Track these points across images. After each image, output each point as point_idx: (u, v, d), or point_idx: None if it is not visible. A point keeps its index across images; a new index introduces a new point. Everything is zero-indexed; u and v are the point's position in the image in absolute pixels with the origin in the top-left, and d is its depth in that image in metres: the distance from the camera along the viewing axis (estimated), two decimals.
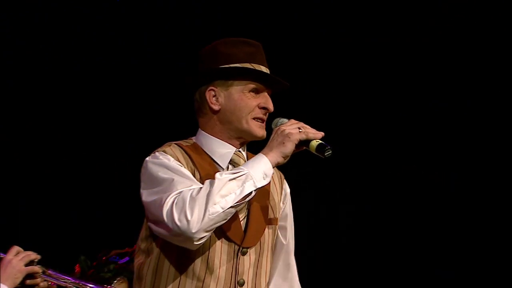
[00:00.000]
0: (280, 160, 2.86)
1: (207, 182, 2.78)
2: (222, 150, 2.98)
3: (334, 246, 5.97)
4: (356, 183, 5.93)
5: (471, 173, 5.81)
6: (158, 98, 5.62)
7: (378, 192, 5.90)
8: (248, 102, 2.96)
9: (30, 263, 3.09)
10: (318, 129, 2.90)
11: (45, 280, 3.12)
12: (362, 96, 5.85)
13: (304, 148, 2.89)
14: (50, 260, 3.28)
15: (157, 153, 2.91)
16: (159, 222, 2.79)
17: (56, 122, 5.68)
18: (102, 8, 5.65)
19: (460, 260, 5.75)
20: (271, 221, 3.04)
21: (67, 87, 5.68)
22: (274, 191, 3.08)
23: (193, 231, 2.72)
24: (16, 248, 3.10)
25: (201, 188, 2.77)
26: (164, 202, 2.76)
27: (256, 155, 2.88)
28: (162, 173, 2.84)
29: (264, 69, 3.01)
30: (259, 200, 2.98)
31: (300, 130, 2.87)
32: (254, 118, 2.97)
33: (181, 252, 2.86)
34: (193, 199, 2.73)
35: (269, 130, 2.97)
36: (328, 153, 2.84)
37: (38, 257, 3.12)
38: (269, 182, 2.93)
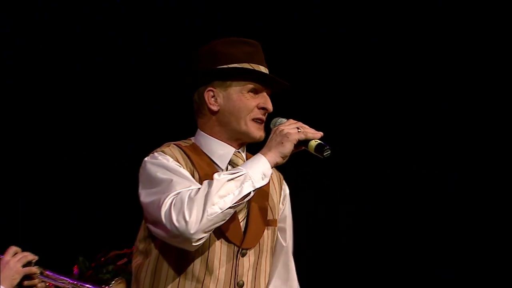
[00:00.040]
0: (279, 160, 2.84)
1: (205, 182, 2.77)
2: (221, 150, 2.97)
3: (334, 246, 5.96)
4: (356, 183, 5.93)
5: (471, 173, 5.80)
6: (158, 98, 5.62)
7: (378, 192, 5.90)
8: (247, 103, 2.95)
9: (28, 264, 3.08)
10: (318, 129, 2.88)
11: (42, 281, 3.11)
12: (362, 96, 5.85)
13: (303, 148, 2.88)
14: (50, 261, 3.28)
15: (155, 154, 2.89)
16: (157, 223, 2.77)
17: (56, 122, 5.68)
18: (102, 8, 5.65)
19: (460, 260, 5.75)
20: (270, 222, 3.03)
21: (67, 87, 5.68)
22: (274, 192, 3.07)
23: (192, 232, 2.70)
24: (13, 249, 3.09)
25: (199, 188, 2.75)
26: (163, 203, 2.74)
27: (255, 155, 2.86)
28: (161, 174, 2.82)
29: (263, 69, 2.99)
30: (259, 201, 2.97)
31: (299, 130, 2.85)
32: (253, 119, 2.96)
33: (180, 253, 2.84)
34: (191, 199, 2.71)
35: (267, 130, 2.96)
36: (327, 153, 2.82)
37: (36, 258, 3.11)
38: (268, 183, 2.92)
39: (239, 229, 2.92)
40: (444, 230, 5.81)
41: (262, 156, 2.83)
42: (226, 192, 2.74)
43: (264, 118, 2.99)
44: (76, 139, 5.71)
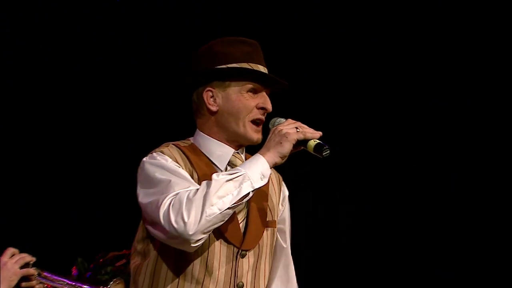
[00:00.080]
0: (278, 160, 2.82)
1: (203, 183, 2.75)
2: (220, 151, 2.95)
3: (333, 246, 5.96)
4: (356, 183, 5.93)
5: (471, 173, 5.80)
6: (158, 98, 5.62)
7: (378, 192, 5.90)
8: (246, 103, 2.93)
9: (25, 265, 3.08)
10: (318, 129, 2.87)
11: (40, 283, 3.11)
12: (362, 96, 5.85)
13: (302, 148, 2.86)
14: (49, 261, 3.28)
15: (154, 154, 2.87)
16: (156, 224, 2.75)
17: (56, 122, 5.68)
18: (102, 8, 5.65)
19: (460, 260, 5.75)
20: (270, 224, 3.01)
21: (67, 87, 5.69)
22: (273, 192, 3.06)
23: (190, 233, 2.68)
24: (11, 250, 3.08)
25: (198, 189, 2.73)
26: (161, 203, 2.72)
27: (253, 156, 2.84)
28: (159, 174, 2.80)
29: (262, 68, 2.97)
30: (258, 202, 2.96)
31: (298, 130, 2.82)
32: (252, 121, 2.94)
33: (180, 255, 2.82)
34: (190, 200, 2.69)
35: (266, 130, 2.95)
36: (326, 153, 2.81)
37: (33, 259, 3.11)
38: (268, 184, 2.91)
39: (239, 230, 2.90)
40: (444, 230, 5.81)
41: (261, 156, 2.81)
42: (225, 192, 2.72)
43: (263, 118, 2.97)
44: (76, 139, 5.71)
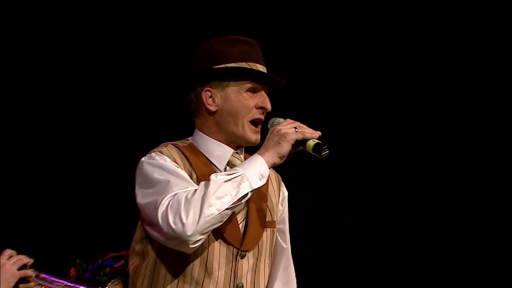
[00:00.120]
0: (277, 160, 2.81)
1: (202, 183, 2.73)
2: (219, 151, 2.94)
3: (333, 246, 5.96)
4: (356, 183, 5.93)
5: (471, 173, 5.80)
6: (158, 98, 5.62)
7: (378, 192, 5.90)
8: (245, 103, 2.92)
9: (23, 267, 3.07)
10: (317, 129, 2.86)
11: (38, 284, 3.11)
12: (361, 96, 5.85)
13: (301, 148, 2.85)
14: (47, 262, 3.27)
15: (153, 154, 2.86)
16: (154, 224, 2.73)
17: (56, 122, 5.68)
18: (102, 8, 5.65)
19: (460, 260, 5.75)
20: (269, 224, 3.00)
21: (67, 87, 5.68)
22: (272, 193, 3.05)
23: (189, 234, 2.66)
24: (8, 252, 3.08)
25: (196, 190, 2.71)
26: (159, 204, 2.70)
27: (252, 156, 2.83)
28: (158, 174, 2.79)
29: (261, 67, 2.97)
30: (257, 202, 2.95)
31: (297, 130, 2.81)
32: (251, 121, 2.93)
33: (179, 255, 2.80)
34: (188, 201, 2.68)
35: (265, 130, 2.94)
36: (325, 152, 2.80)
37: (31, 260, 3.10)
38: (267, 184, 2.91)
39: (238, 231, 2.89)
40: (444, 230, 5.81)
41: (260, 156, 2.80)
42: (223, 193, 2.71)
43: (262, 117, 2.96)
44: (76, 139, 5.71)
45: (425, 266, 5.81)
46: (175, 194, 2.72)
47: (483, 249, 5.73)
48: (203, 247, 2.81)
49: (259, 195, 2.93)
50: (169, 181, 2.76)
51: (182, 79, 3.03)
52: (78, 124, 5.71)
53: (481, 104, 5.75)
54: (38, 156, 5.65)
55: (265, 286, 3.02)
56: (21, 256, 3.08)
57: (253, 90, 2.95)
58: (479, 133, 5.75)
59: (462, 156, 5.80)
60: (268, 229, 2.99)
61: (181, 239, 2.68)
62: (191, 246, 2.71)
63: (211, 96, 2.94)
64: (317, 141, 2.83)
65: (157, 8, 5.69)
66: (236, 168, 2.81)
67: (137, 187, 2.84)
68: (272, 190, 3.05)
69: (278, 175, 3.13)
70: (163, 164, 2.82)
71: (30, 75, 5.60)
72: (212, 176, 2.74)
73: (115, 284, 3.73)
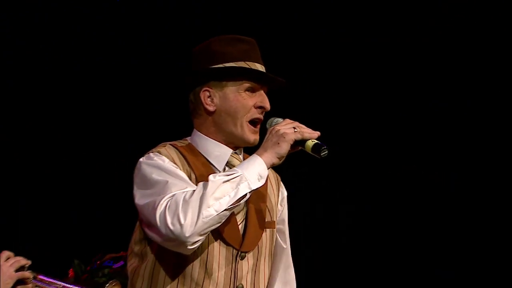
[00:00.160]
0: (275, 161, 2.79)
1: (200, 184, 2.71)
2: (218, 151, 2.93)
3: (333, 246, 5.96)
4: (356, 183, 5.92)
5: (471, 173, 5.80)
6: (158, 98, 5.62)
7: (378, 192, 5.89)
8: (243, 102, 2.90)
9: (21, 268, 3.06)
10: (317, 129, 2.85)
11: (36, 286, 3.10)
12: (361, 96, 5.85)
13: (300, 148, 2.83)
14: (48, 262, 3.27)
15: (151, 154, 2.85)
16: (152, 225, 2.72)
17: (56, 122, 5.68)
18: (102, 8, 5.65)
19: (460, 260, 5.75)
20: (268, 224, 2.98)
21: (67, 87, 5.68)
22: (271, 193, 3.03)
23: (187, 235, 2.65)
24: (6, 253, 3.07)
25: (194, 190, 2.70)
26: (157, 205, 2.69)
27: (251, 156, 2.81)
28: (156, 175, 2.77)
29: (259, 66, 2.95)
30: (256, 203, 2.93)
31: (296, 130, 2.80)
32: (250, 121, 2.92)
33: (178, 257, 2.79)
34: (186, 202, 2.66)
35: (263, 130, 2.93)
36: (324, 153, 2.78)
37: (29, 262, 3.09)
38: (266, 184, 2.89)
39: (238, 232, 2.88)
40: (444, 230, 5.80)
41: (258, 157, 2.78)
42: (222, 194, 2.69)
43: (261, 117, 2.95)
44: (76, 139, 5.71)
45: (425, 266, 5.81)
46: (173, 195, 2.70)
47: (483, 249, 5.73)
48: (203, 248, 2.79)
49: (258, 196, 2.91)
50: (167, 181, 2.74)
51: (182, 79, 3.02)
52: (78, 124, 5.71)
53: (481, 104, 5.75)
54: (38, 156, 5.65)
55: (265, 287, 3.00)
56: (18, 258, 3.07)
57: (251, 90, 2.93)
58: (479, 133, 5.75)
59: (462, 156, 5.80)
60: (268, 229, 2.98)
61: (180, 241, 2.67)
62: (189, 247, 2.69)
63: (209, 96, 2.93)
64: (316, 141, 2.81)
65: (157, 8, 5.69)
66: (234, 168, 2.79)
67: (135, 188, 2.82)
68: (271, 190, 3.04)
69: (277, 175, 3.12)
70: (161, 164, 2.80)
71: (30, 75, 5.60)
72: (211, 177, 2.72)
73: (114, 285, 3.72)
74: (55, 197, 5.60)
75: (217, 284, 2.84)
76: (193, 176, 2.85)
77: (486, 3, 5.60)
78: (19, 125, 5.61)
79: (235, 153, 2.96)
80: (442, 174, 5.84)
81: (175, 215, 2.66)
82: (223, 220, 2.74)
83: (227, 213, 2.72)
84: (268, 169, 2.79)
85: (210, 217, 2.67)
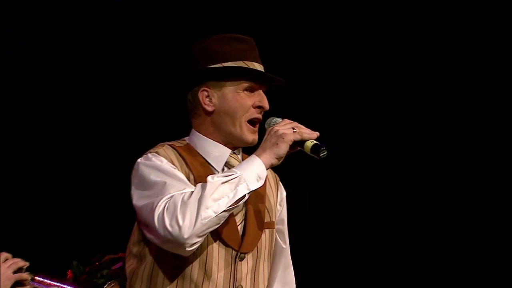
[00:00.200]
0: (274, 161, 2.77)
1: (198, 185, 2.70)
2: (216, 152, 2.91)
3: (333, 246, 5.96)
4: (356, 183, 5.92)
5: (471, 173, 5.80)
6: (158, 98, 5.62)
7: (378, 192, 5.89)
8: (242, 102, 2.89)
9: (19, 270, 3.05)
10: (317, 129, 2.83)
11: (34, 287, 3.10)
12: (361, 96, 5.85)
13: (299, 148, 2.82)
14: (47, 262, 3.27)
15: (149, 155, 2.83)
16: (150, 227, 2.70)
17: (56, 122, 5.68)
18: (102, 8, 5.65)
19: (460, 260, 5.75)
20: (268, 225, 2.97)
21: (67, 87, 5.68)
22: (270, 193, 3.02)
23: (185, 236, 2.63)
24: (4, 255, 3.06)
25: (192, 192, 2.68)
26: (156, 206, 2.67)
27: (249, 157, 2.79)
28: (154, 176, 2.75)
29: (258, 66, 2.93)
30: (255, 203, 2.91)
31: (294, 130, 2.78)
32: (249, 121, 2.90)
33: (177, 258, 2.77)
34: (184, 203, 2.64)
35: (262, 130, 2.92)
36: (323, 153, 2.77)
37: (27, 264, 3.08)
38: (265, 185, 2.87)
39: (237, 233, 2.86)
40: (444, 230, 5.80)
41: (257, 157, 2.76)
42: (220, 195, 2.67)
43: (260, 117, 2.93)
44: (76, 139, 5.71)
45: (425, 266, 5.81)
46: (172, 196, 2.68)
47: (483, 249, 5.73)
48: (202, 250, 2.78)
49: (257, 196, 2.90)
50: (165, 182, 2.72)
51: (180, 79, 3.01)
52: (78, 124, 5.71)
53: (481, 104, 5.75)
54: (38, 156, 5.65)
55: (265, 287, 2.99)
56: (16, 259, 3.06)
57: (250, 89, 2.91)
58: (479, 133, 5.75)
59: (462, 156, 5.80)
60: (267, 230, 2.96)
61: (178, 242, 2.65)
62: (188, 249, 2.67)
63: (208, 96, 2.91)
64: (315, 142, 2.80)
65: (157, 8, 5.69)
66: (233, 169, 2.77)
67: (133, 189, 2.80)
68: (270, 191, 3.02)
69: (276, 175, 3.10)
70: (159, 165, 2.78)
71: (30, 75, 5.60)
72: (209, 178, 2.70)
73: (112, 287, 3.71)
74: (55, 198, 5.61)
75: (216, 285, 2.82)
76: (191, 177, 2.83)
77: (486, 3, 5.60)
78: (19, 125, 5.62)
79: (234, 153, 2.94)
80: (442, 174, 5.84)
81: (174, 216, 2.64)
82: (222, 222, 2.72)
83: (226, 214, 2.70)
84: (267, 169, 2.78)
85: (209, 219, 2.65)
